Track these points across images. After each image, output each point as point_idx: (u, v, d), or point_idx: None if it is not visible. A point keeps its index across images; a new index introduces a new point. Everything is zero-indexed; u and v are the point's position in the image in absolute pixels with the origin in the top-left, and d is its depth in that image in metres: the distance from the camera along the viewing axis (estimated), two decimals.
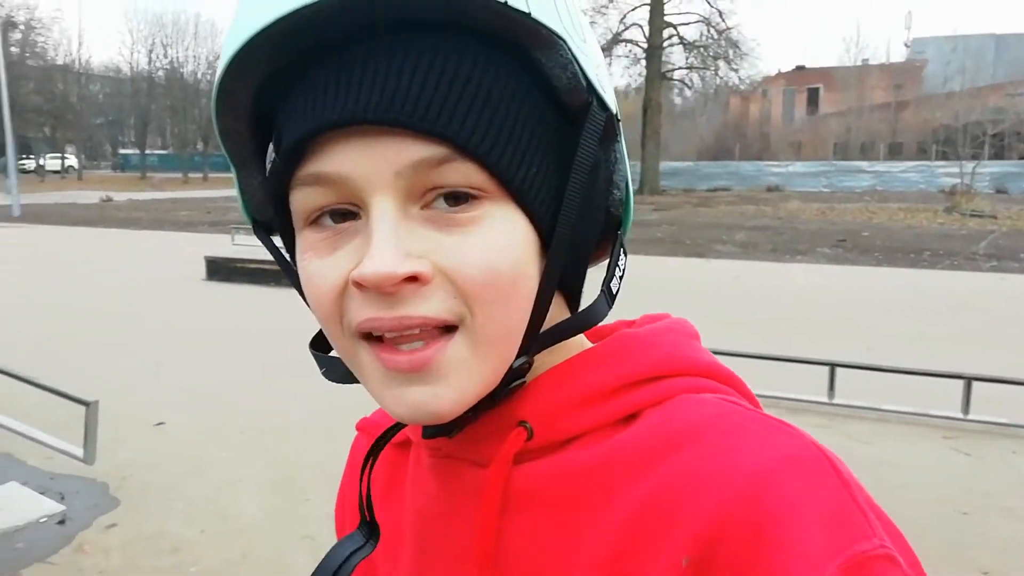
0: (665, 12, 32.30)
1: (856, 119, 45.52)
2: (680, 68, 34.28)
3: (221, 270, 10.35)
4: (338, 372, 0.47)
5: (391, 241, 0.37)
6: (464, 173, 0.38)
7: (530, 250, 0.40)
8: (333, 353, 0.46)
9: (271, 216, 0.45)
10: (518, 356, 0.41)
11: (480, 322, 0.38)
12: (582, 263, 0.45)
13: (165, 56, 52.04)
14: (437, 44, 0.38)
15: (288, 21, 0.35)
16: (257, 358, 6.32)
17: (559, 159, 0.41)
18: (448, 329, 0.39)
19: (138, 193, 32.70)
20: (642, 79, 31.30)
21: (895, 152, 42.69)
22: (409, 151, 0.37)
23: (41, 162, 49.45)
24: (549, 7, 0.39)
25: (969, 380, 4.54)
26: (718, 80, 34.31)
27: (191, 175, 47.44)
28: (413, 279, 0.37)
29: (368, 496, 0.50)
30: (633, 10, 33.39)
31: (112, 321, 7.66)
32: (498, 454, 0.42)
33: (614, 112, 0.43)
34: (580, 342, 0.47)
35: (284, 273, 0.47)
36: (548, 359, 0.45)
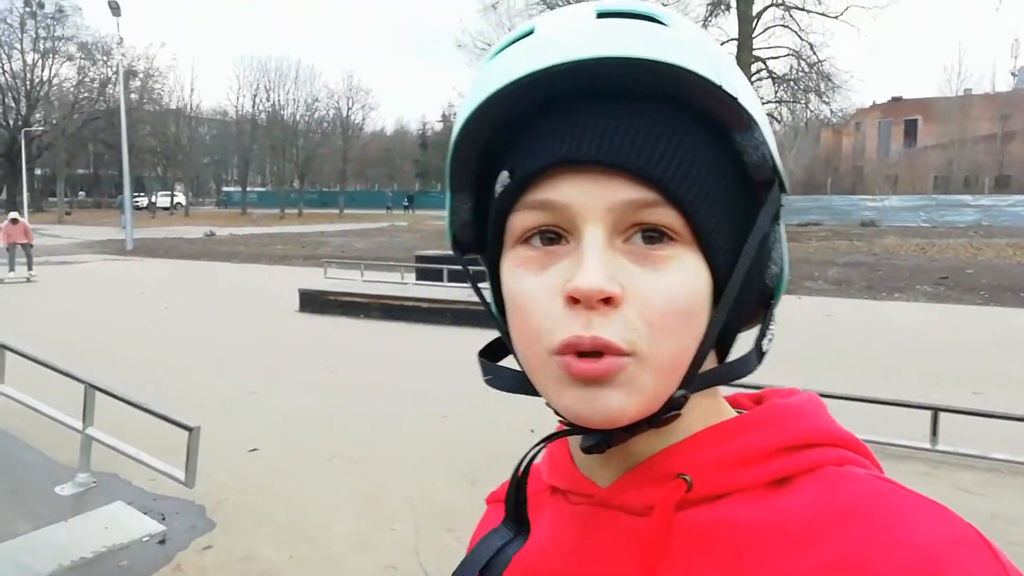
0: (754, 47, 31.90)
1: (958, 151, 43.37)
2: (769, 102, 33.64)
3: (313, 302, 10.75)
4: (503, 380, 0.52)
5: (599, 262, 0.43)
6: (666, 216, 0.44)
7: (705, 295, 0.45)
8: (504, 362, 0.52)
9: (472, 237, 0.53)
10: (679, 387, 0.45)
11: (654, 349, 0.43)
12: (738, 322, 0.50)
13: (268, 99, 55.12)
14: (654, 112, 0.44)
15: (532, 77, 0.43)
16: (347, 387, 6.51)
17: (739, 225, 0.46)
18: (627, 355, 0.44)
19: (239, 228, 34.51)
20: None
21: (1002, 185, 40.31)
22: (624, 191, 0.44)
23: (153, 199, 53.02)
24: (750, 95, 0.46)
25: None
26: (809, 113, 33.44)
27: (287, 211, 49.69)
28: (610, 299, 0.43)
29: (524, 495, 0.53)
30: (721, 44, 33.09)
31: (211, 349, 8.06)
32: (660, 502, 0.46)
33: (787, 193, 0.49)
34: (721, 406, 0.52)
35: (471, 284, 0.55)
36: (697, 414, 0.49)
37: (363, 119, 61.57)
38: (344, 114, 58.37)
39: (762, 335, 0.49)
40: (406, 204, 56.83)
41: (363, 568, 3.33)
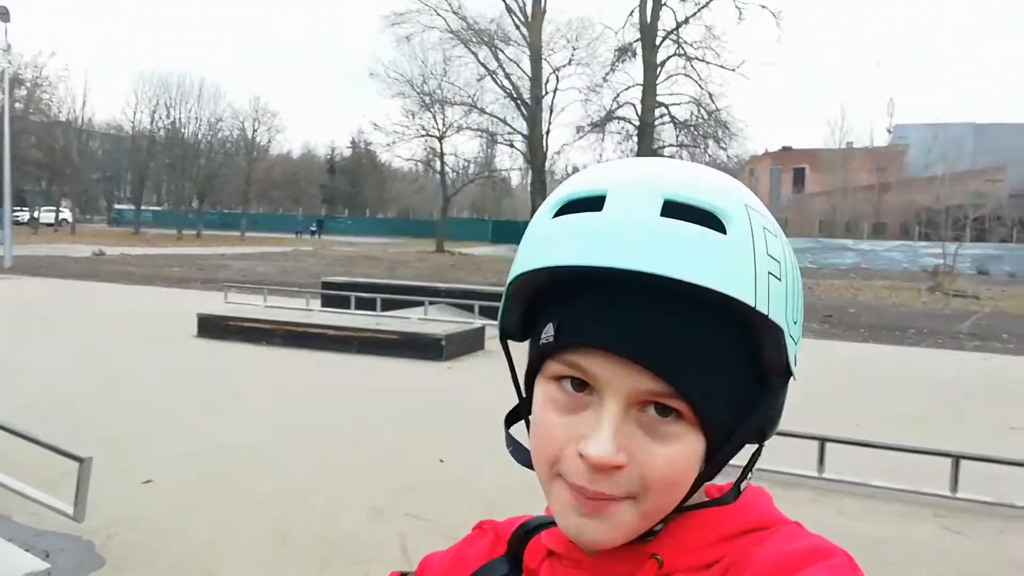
0: (657, 93, 33.39)
1: (841, 199, 46.58)
2: (671, 145, 35.20)
3: (213, 327, 10.34)
4: (522, 456, 0.61)
5: (613, 436, 0.51)
6: (678, 404, 0.52)
7: (698, 461, 0.54)
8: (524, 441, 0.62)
9: (516, 332, 0.61)
10: (660, 522, 0.55)
11: (649, 503, 0.53)
12: (724, 463, 0.57)
13: (168, 116, 52.91)
14: (687, 314, 0.51)
15: (594, 270, 0.51)
16: (250, 416, 6.28)
17: (746, 400, 0.55)
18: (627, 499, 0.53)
19: (130, 248, 32.76)
20: (633, 155, 32.08)
21: (879, 231, 43.56)
22: (645, 382, 0.51)
23: (36, 214, 49.65)
24: (780, 301, 0.52)
25: (957, 458, 4.58)
26: (707, 158, 35.20)
27: (185, 232, 47.61)
28: (617, 467, 0.51)
29: (523, 539, 0.64)
30: (626, 89, 34.54)
31: (101, 376, 7.60)
32: None
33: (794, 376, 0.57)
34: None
35: (514, 381, 0.63)
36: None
37: (269, 141, 60.00)
38: (249, 135, 56.77)
39: (743, 476, 0.57)
40: (313, 229, 55.55)
41: None
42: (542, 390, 0.56)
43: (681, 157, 35.77)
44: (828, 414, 6.61)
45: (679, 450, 0.52)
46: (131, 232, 48.02)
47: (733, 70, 31.73)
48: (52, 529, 3.71)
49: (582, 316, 0.53)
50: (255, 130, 56.67)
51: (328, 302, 12.99)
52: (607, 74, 34.91)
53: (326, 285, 14.27)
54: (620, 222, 0.50)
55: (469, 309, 11.45)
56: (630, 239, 0.49)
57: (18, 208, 51.47)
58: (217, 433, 5.71)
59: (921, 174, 43.94)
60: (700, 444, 0.53)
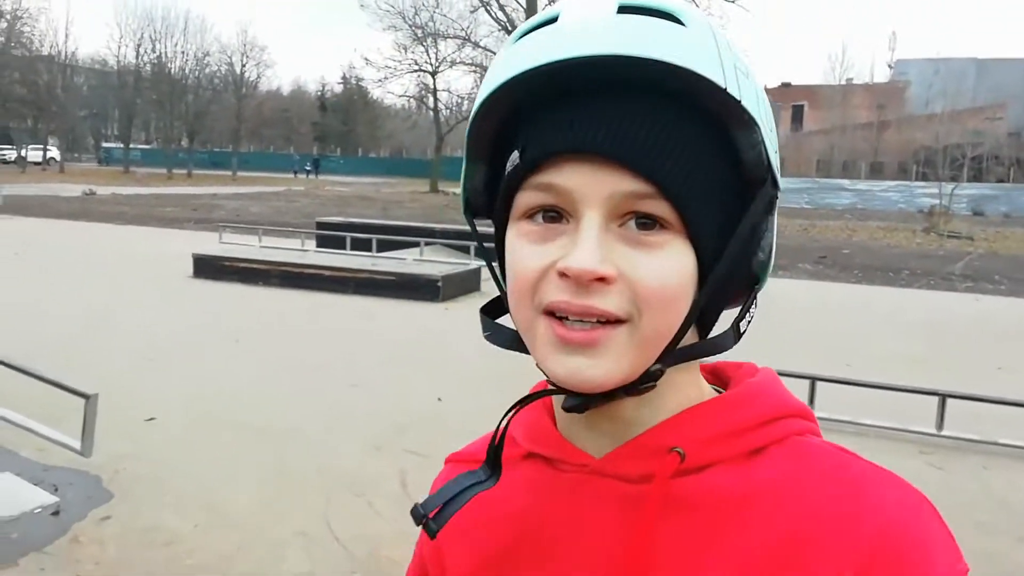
0: None
1: (839, 137, 46.14)
2: None
3: (208, 268, 10.34)
4: (501, 338, 0.56)
5: (595, 245, 0.47)
6: (659, 208, 0.48)
7: (691, 279, 0.49)
8: (502, 320, 0.57)
9: (483, 204, 0.57)
10: (656, 361, 0.50)
11: (644, 322, 0.48)
12: (721, 303, 0.54)
13: (153, 51, 51.64)
14: (661, 107, 0.48)
15: (552, 67, 0.47)
16: (248, 356, 6.36)
17: (729, 216, 0.51)
18: (617, 322, 0.48)
19: (121, 187, 32.39)
20: None
21: (876, 171, 43.33)
22: (624, 183, 0.47)
23: (23, 153, 48.89)
24: (752, 97, 0.49)
25: (944, 397, 4.69)
26: None
27: (175, 171, 47.03)
28: (603, 279, 0.47)
29: (502, 440, 0.56)
30: None
31: (100, 317, 7.64)
32: (658, 472, 0.51)
33: (779, 189, 0.54)
34: (699, 382, 0.57)
35: (479, 248, 0.59)
36: (677, 388, 0.54)
37: (258, 76, 58.81)
38: (237, 70, 55.53)
39: (741, 316, 0.54)
40: (308, 168, 54.77)
41: (272, 535, 3.32)
42: (513, 232, 0.52)
43: None
44: (819, 354, 6.72)
45: (669, 260, 0.48)
46: (120, 171, 47.39)
47: (733, 1, 30.94)
48: (59, 464, 3.79)
49: (546, 128, 0.49)
50: (243, 65, 55.46)
51: (323, 243, 12.96)
52: None
53: (321, 226, 14.19)
54: (576, 23, 0.48)
55: (465, 250, 11.44)
56: (587, 31, 0.47)
57: (5, 147, 50.74)
58: (216, 372, 5.78)
59: (921, 111, 43.46)
60: (690, 258, 0.49)
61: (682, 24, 0.48)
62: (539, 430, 0.57)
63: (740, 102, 0.48)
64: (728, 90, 0.47)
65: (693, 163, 0.48)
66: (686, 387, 0.55)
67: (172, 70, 51.71)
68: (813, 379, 4.97)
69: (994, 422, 4.69)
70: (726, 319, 0.55)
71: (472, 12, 37.00)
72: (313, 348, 6.72)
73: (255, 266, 10.21)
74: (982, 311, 9.94)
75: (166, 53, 51.61)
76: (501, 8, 35.04)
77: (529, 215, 0.51)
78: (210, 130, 56.90)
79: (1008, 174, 37.73)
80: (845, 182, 37.48)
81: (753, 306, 0.55)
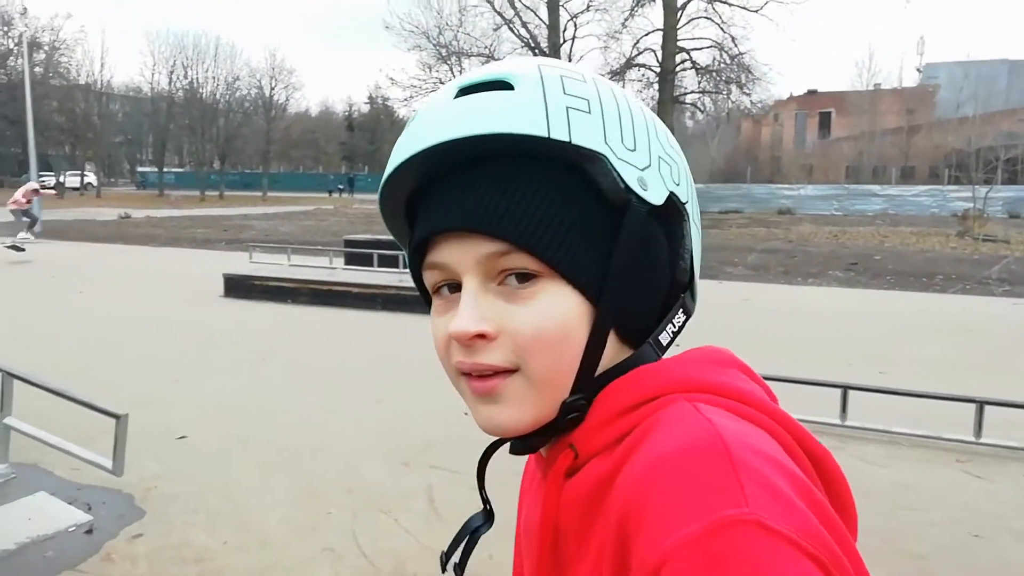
0: (678, 38, 32.56)
1: (868, 143, 45.54)
2: (692, 92, 34.46)
3: (239, 287, 10.49)
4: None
5: (470, 309, 0.53)
6: (522, 260, 0.52)
7: (578, 314, 0.53)
8: None
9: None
10: (573, 393, 0.54)
11: (532, 368, 0.53)
12: (642, 319, 0.56)
13: (185, 77, 52.83)
14: (510, 170, 0.53)
15: (410, 161, 0.54)
16: (277, 373, 6.42)
17: (609, 241, 0.54)
18: (509, 372, 0.53)
19: (155, 210, 33.09)
20: (655, 103, 31.51)
21: (907, 176, 42.61)
22: (483, 247, 0.53)
23: (61, 179, 50.20)
24: (592, 131, 0.53)
25: (981, 404, 4.57)
26: (730, 104, 34.44)
27: (208, 193, 47.92)
28: (482, 336, 0.53)
29: (483, 488, 0.68)
30: (646, 35, 33.69)
31: (134, 337, 7.79)
32: (554, 469, 0.55)
33: (681, 201, 0.57)
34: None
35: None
36: None
37: (287, 99, 59.70)
38: (267, 93, 56.54)
39: (660, 329, 0.56)
40: (341, 187, 55.36)
41: (300, 551, 3.34)
42: (432, 307, 0.59)
43: (703, 104, 35.11)
44: (852, 362, 6.61)
45: (544, 306, 0.52)
46: (155, 195, 48.43)
47: (757, 11, 30.76)
48: (93, 483, 3.86)
49: (427, 213, 0.56)
50: (272, 88, 56.42)
51: (351, 260, 13.07)
52: (626, 19, 33.97)
53: (348, 243, 14.32)
54: (422, 118, 0.55)
55: None
56: (431, 122, 0.53)
57: (43, 173, 52.13)
58: (246, 391, 5.85)
59: (952, 115, 42.69)
60: (571, 296, 0.52)
61: (511, 88, 0.53)
62: None
63: (569, 142, 0.52)
64: (552, 136, 0.51)
65: (542, 211, 0.52)
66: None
67: (203, 95, 52.82)
68: (845, 388, 4.88)
69: None
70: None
71: (495, 30, 37.25)
72: (341, 364, 6.77)
73: (284, 284, 10.34)
74: (1020, 316, 9.69)
75: (197, 79, 52.81)
76: (524, 25, 35.30)
77: (436, 290, 0.58)
78: (240, 152, 57.92)
79: None
80: (875, 187, 36.88)
81: (679, 316, 0.58)
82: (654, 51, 33.55)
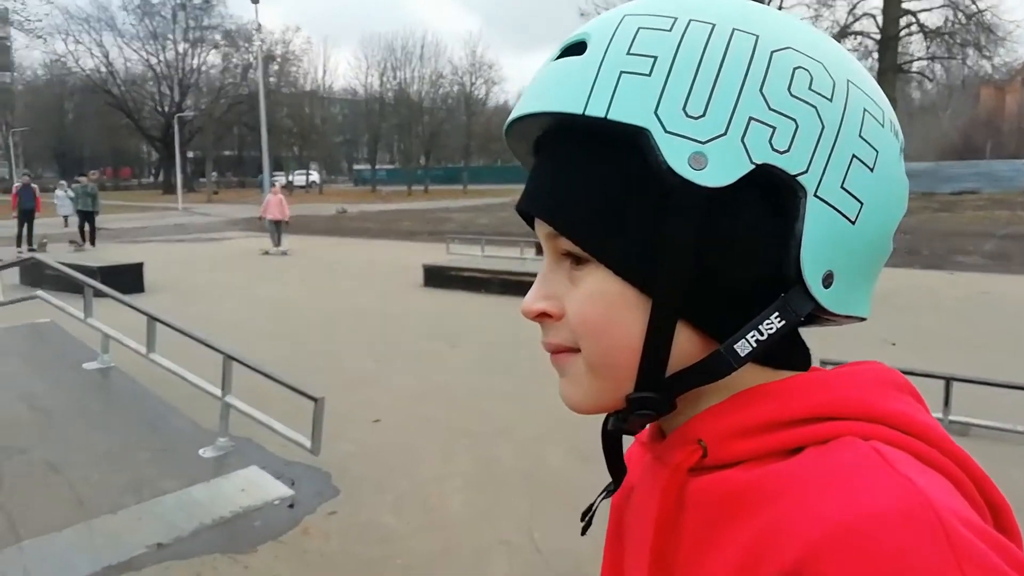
0: None
1: None
2: (919, 59, 31.01)
3: (437, 277, 11.02)
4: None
5: (536, 286, 0.53)
6: (567, 244, 0.51)
7: (624, 303, 0.49)
8: None
9: None
10: (638, 389, 0.50)
11: (585, 351, 0.51)
12: (723, 317, 0.49)
13: (394, 77, 56.70)
14: (569, 150, 0.51)
15: (509, 128, 0.55)
16: (468, 361, 6.63)
17: (656, 231, 0.48)
18: (577, 350, 0.52)
19: (368, 205, 35.92)
20: (874, 73, 28.71)
21: None
22: (543, 227, 0.53)
23: (290, 178, 56.12)
24: (641, 99, 0.47)
25: None
26: (966, 70, 30.53)
27: (414, 188, 51.17)
28: (545, 315, 0.53)
29: (607, 452, 0.61)
30: None
31: (340, 322, 8.44)
32: (677, 463, 0.50)
33: (791, 173, 0.46)
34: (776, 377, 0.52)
35: None
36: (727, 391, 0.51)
37: (487, 93, 62.01)
38: (468, 89, 59.09)
39: (737, 336, 0.48)
40: None
41: (477, 539, 3.38)
42: None
43: (932, 71, 31.44)
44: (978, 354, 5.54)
45: (587, 290, 0.50)
46: (368, 190, 52.59)
47: None
48: (297, 460, 4.18)
49: None
50: (473, 84, 58.84)
51: (540, 250, 13.23)
52: None
53: None
54: (530, 81, 0.53)
55: None
56: (528, 90, 0.52)
57: (275, 172, 58.59)
58: (438, 377, 6.08)
59: None
60: (616, 284, 0.49)
61: (583, 52, 0.49)
62: (653, 425, 0.59)
63: (604, 119, 0.47)
64: (587, 113, 0.47)
65: (582, 195, 0.49)
66: (752, 382, 0.51)
67: (411, 94, 56.40)
68: (948, 379, 4.32)
69: None
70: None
71: None
72: (527, 353, 6.83)
73: (477, 275, 10.69)
74: None
75: (405, 79, 56.46)
76: None
77: None
78: (443, 147, 61.17)
79: None
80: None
81: (768, 321, 0.48)
82: (873, 16, 30.56)
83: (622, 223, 0.49)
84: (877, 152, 0.48)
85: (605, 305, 0.49)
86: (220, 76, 57.36)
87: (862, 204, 0.48)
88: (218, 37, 57.51)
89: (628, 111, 0.47)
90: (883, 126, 0.49)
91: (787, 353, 0.51)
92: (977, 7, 28.71)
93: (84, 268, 7.96)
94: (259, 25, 30.46)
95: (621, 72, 0.47)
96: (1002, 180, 30.11)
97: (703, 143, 0.46)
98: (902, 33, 29.78)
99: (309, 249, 16.93)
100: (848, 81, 0.48)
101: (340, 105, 66.83)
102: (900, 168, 0.51)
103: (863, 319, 0.52)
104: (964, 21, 29.42)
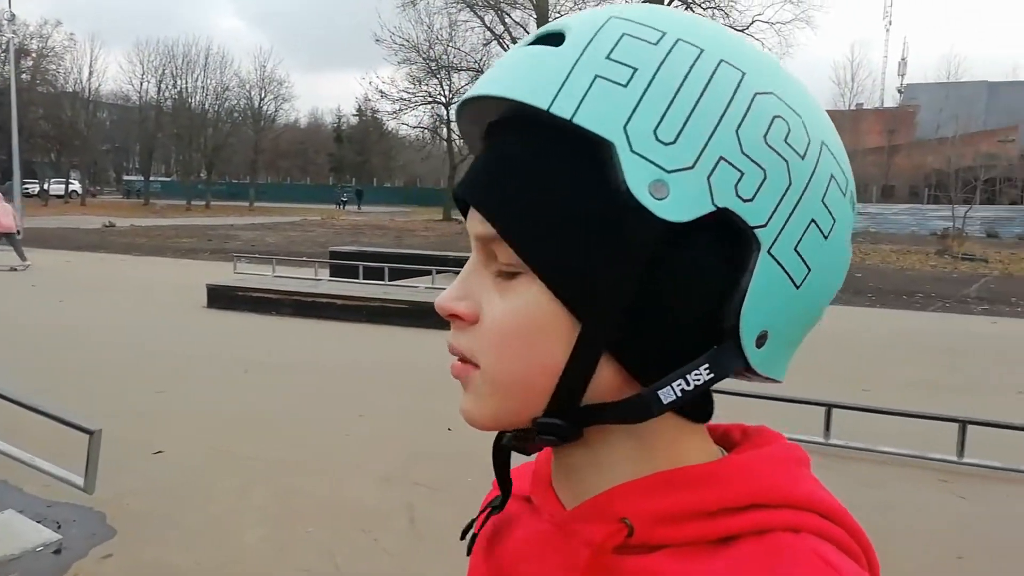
0: None
1: (851, 162, 46.11)
2: None
3: (222, 298, 10.39)
4: None
5: (458, 283, 0.49)
6: (505, 254, 0.46)
7: (548, 322, 0.45)
8: None
9: None
10: (548, 414, 0.47)
11: (492, 365, 0.47)
12: (651, 358, 0.45)
13: (174, 86, 52.61)
14: (521, 140, 0.46)
15: (463, 104, 0.50)
16: (259, 386, 6.33)
17: (617, 252, 0.44)
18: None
19: (140, 219, 32.81)
20: None
21: (888, 195, 43.23)
22: (478, 226, 0.48)
23: (45, 186, 49.74)
24: (613, 109, 0.43)
25: (964, 423, 4.57)
26: None
27: (194, 203, 47.63)
28: (457, 316, 0.48)
29: (498, 468, 0.56)
30: None
31: (113, 347, 7.67)
32: (601, 542, 0.46)
33: (751, 225, 0.43)
34: (698, 443, 0.50)
35: None
36: (647, 449, 0.48)
37: (276, 110, 59.45)
38: (256, 104, 56.40)
39: (663, 382, 0.45)
40: (344, 199, 53.99)
41: (276, 572, 3.27)
42: None
43: None
44: (835, 380, 6.61)
45: (515, 304, 0.46)
46: (140, 203, 48.07)
47: (743, 31, 31.08)
48: (64, 500, 3.76)
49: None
50: (262, 99, 56.26)
51: (336, 272, 13.00)
52: None
53: (334, 255, 14.25)
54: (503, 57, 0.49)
55: None
56: (495, 70, 0.48)
57: (28, 180, 51.64)
58: (226, 403, 5.76)
59: (932, 135, 43.34)
60: (546, 301, 0.45)
61: (560, 44, 0.46)
62: (539, 473, 0.56)
63: (568, 120, 0.43)
64: (552, 110, 0.43)
65: (541, 201, 0.45)
66: (669, 447, 0.49)
67: (192, 104, 52.60)
68: (829, 406, 4.87)
69: (1017, 449, 4.56)
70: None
71: (485, 45, 37.51)
72: (323, 378, 6.70)
73: (268, 296, 10.25)
74: (999, 334, 9.77)
75: (187, 88, 52.58)
76: (513, 40, 35.48)
77: None
78: (228, 162, 57.66)
79: (1022, 196, 37.38)
80: (856, 206, 37.29)
81: (697, 372, 0.45)
82: None
83: (567, 236, 0.44)
84: (834, 221, 0.47)
85: (530, 322, 0.45)
86: None
87: (810, 270, 0.46)
88: None
89: (596, 119, 0.43)
90: (844, 195, 0.48)
91: (701, 404, 0.49)
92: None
93: None
94: (12, 15, 26.92)
95: (596, 76, 0.43)
96: None
97: (668, 172, 0.42)
98: None
99: (70, 266, 15.15)
100: (823, 143, 0.46)
101: (109, 110, 60.59)
102: (849, 241, 0.49)
103: (778, 382, 0.52)
104: None
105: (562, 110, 0.43)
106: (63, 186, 51.69)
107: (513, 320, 0.46)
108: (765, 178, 0.44)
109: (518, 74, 0.46)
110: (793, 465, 0.49)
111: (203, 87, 53.01)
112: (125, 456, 4.33)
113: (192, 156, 52.96)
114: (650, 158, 0.43)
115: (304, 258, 15.52)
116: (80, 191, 51.01)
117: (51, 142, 50.64)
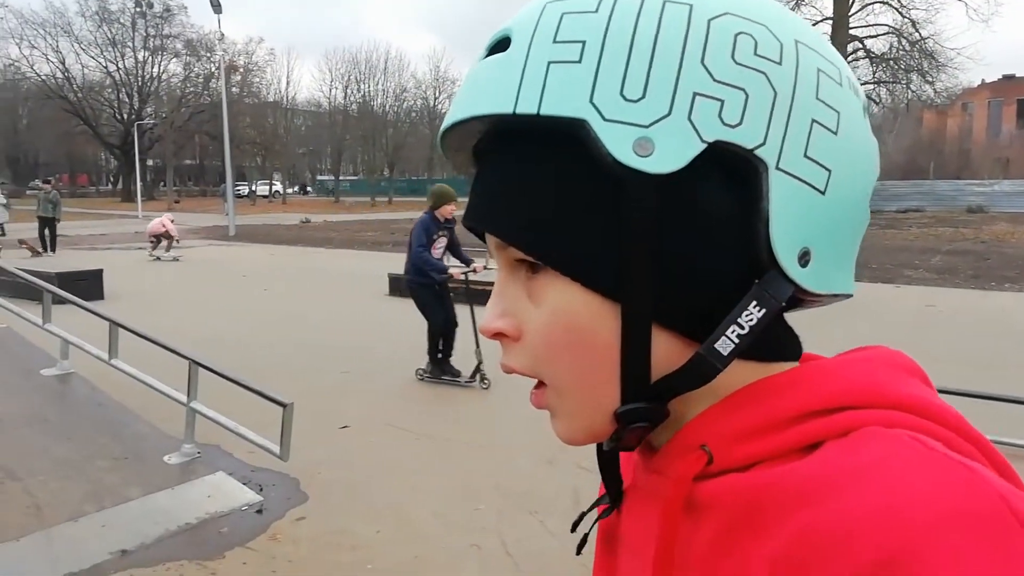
0: (850, 25, 30.36)
1: None
2: (867, 83, 32.00)
3: (402, 287, 10.99)
4: None
5: (494, 301, 0.48)
6: (518, 253, 0.46)
7: (592, 313, 0.45)
8: None
9: None
10: (625, 403, 0.45)
11: (553, 377, 0.47)
12: (699, 313, 0.44)
13: (358, 91, 56.57)
14: (504, 153, 0.47)
15: (445, 134, 0.50)
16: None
17: (624, 224, 0.44)
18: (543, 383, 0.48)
19: (332, 215, 35.63)
20: None
21: None
22: (492, 237, 0.48)
23: (253, 188, 55.46)
24: (574, 88, 0.43)
25: None
26: (910, 94, 31.56)
27: (378, 199, 51.01)
28: (502, 334, 0.48)
29: (604, 470, 0.56)
30: (814, 25, 31.71)
31: (308, 329, 8.39)
32: (680, 474, 0.45)
33: (747, 147, 0.42)
34: (767, 372, 0.47)
35: None
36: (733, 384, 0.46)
37: (450, 107, 62.28)
38: (431, 104, 59.21)
39: (716, 335, 0.43)
40: None
41: (448, 545, 3.41)
42: None
43: (879, 95, 32.41)
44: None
45: (550, 308, 0.45)
46: (332, 201, 52.19)
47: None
48: (265, 466, 4.16)
49: None
50: (437, 98, 58.96)
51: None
52: (793, 7, 32.32)
53: None
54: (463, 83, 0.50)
55: None
56: (459, 94, 0.48)
57: (238, 183, 57.83)
58: (406, 385, 6.11)
59: None
60: (579, 294, 0.44)
61: (507, 48, 0.46)
62: (634, 462, 0.56)
63: (536, 115, 0.43)
64: (517, 112, 0.44)
65: (536, 202, 0.45)
66: (745, 380, 0.46)
67: (374, 107, 56.30)
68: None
69: None
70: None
71: None
72: (494, 361, 6.88)
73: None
74: None
75: (369, 92, 56.33)
76: None
77: None
78: (407, 160, 61.10)
79: None
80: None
81: (747, 312, 0.43)
82: None
83: (570, 224, 0.44)
84: (838, 113, 0.45)
85: (570, 320, 0.45)
86: (181, 85, 56.51)
87: (830, 171, 0.44)
88: (179, 46, 56.72)
89: (561, 103, 0.43)
90: (841, 85, 0.46)
91: (776, 343, 0.47)
92: (920, 35, 29.79)
93: (42, 274, 7.79)
94: (222, 35, 30.16)
95: (549, 63, 0.43)
96: (944, 199, 31.24)
97: (647, 127, 0.42)
98: (850, 58, 30.72)
99: (274, 259, 16.74)
100: (796, 42, 0.44)
101: (303, 116, 66.38)
102: (865, 127, 0.47)
103: (849, 296, 0.48)
104: (908, 48, 30.49)
105: (527, 107, 0.43)
106: (267, 187, 57.36)
107: (555, 324, 0.45)
108: (747, 97, 0.42)
109: (477, 90, 0.46)
110: (892, 368, 0.46)
111: (383, 90, 56.58)
112: (315, 429, 4.71)
113: (375, 155, 56.69)
114: (625, 120, 0.42)
115: (478, 247, 16.03)
116: (281, 191, 56.27)
117: (256, 148, 56.33)
